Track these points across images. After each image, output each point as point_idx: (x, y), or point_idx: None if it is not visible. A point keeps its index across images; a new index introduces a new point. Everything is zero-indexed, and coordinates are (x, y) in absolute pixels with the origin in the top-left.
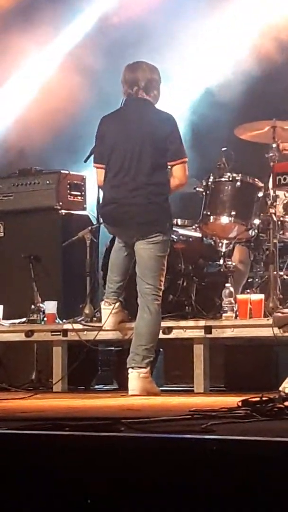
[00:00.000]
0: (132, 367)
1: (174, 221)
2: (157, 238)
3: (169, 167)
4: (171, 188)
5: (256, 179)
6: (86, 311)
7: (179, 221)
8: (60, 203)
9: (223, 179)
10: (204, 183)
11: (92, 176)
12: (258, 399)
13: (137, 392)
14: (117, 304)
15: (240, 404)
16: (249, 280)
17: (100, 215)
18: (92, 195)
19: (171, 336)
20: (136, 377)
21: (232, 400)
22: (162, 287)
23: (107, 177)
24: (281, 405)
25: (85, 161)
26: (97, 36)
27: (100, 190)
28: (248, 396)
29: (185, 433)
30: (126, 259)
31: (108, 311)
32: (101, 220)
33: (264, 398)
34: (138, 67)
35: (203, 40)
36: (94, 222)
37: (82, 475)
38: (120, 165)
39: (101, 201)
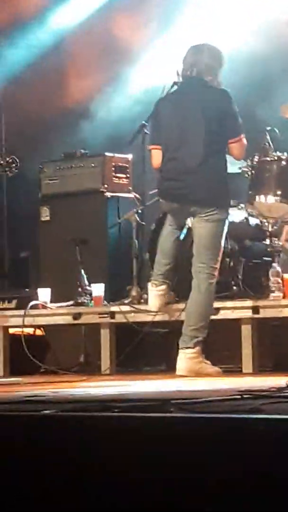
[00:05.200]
0: (181, 348)
1: None
2: (215, 216)
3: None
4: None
5: None
6: (133, 293)
7: None
8: (106, 186)
9: (268, 159)
10: (249, 163)
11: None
12: None
13: (183, 372)
14: (164, 286)
15: None
16: None
17: (159, 191)
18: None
19: (218, 317)
20: (183, 358)
21: (281, 380)
22: (217, 267)
23: (165, 156)
24: None
25: (130, 143)
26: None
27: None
28: None
29: (234, 413)
30: (175, 243)
31: (155, 292)
32: (160, 196)
33: None
34: (201, 50)
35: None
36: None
37: (132, 456)
38: (178, 145)
39: (160, 177)
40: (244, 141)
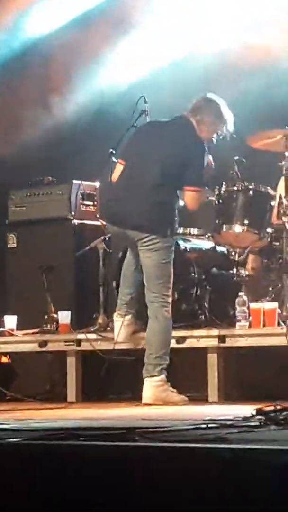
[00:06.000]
0: (146, 377)
1: (188, 230)
2: (157, 245)
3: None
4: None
5: (269, 188)
6: (100, 321)
7: (192, 230)
8: (73, 213)
9: (235, 188)
10: (216, 192)
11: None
12: (272, 407)
13: (150, 401)
14: (129, 316)
15: (254, 413)
16: (263, 289)
17: (101, 210)
18: None
19: (184, 345)
20: (148, 386)
21: (246, 409)
22: (170, 294)
23: (119, 177)
24: None
25: (98, 171)
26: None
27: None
28: (262, 405)
29: (199, 443)
30: (136, 271)
31: (120, 323)
32: (101, 217)
33: (278, 407)
34: (208, 101)
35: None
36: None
37: (96, 484)
38: (135, 170)
39: (105, 198)
40: (199, 194)
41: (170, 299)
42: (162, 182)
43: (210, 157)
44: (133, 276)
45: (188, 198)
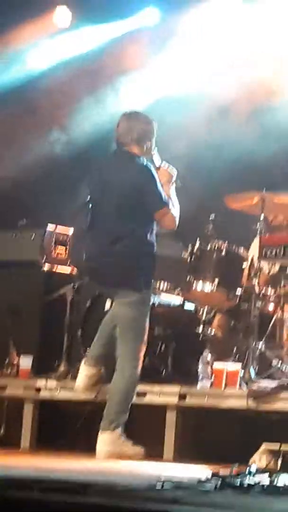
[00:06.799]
0: (101, 431)
1: (157, 284)
2: (129, 299)
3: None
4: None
5: (242, 249)
6: (61, 368)
7: (162, 285)
8: (44, 258)
9: (209, 247)
10: (190, 249)
11: None
12: (229, 470)
13: (102, 456)
14: (95, 370)
15: (210, 475)
16: (227, 349)
17: (84, 270)
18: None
19: (144, 401)
20: (102, 441)
21: (203, 470)
22: (141, 349)
23: (87, 233)
24: (251, 478)
25: (73, 216)
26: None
27: None
28: (219, 466)
29: (153, 503)
30: (114, 329)
31: (85, 373)
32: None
33: (235, 470)
34: (135, 117)
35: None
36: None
37: None
38: (95, 221)
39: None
40: (173, 212)
41: (141, 355)
42: (122, 229)
43: (165, 167)
44: (110, 333)
45: (161, 222)
